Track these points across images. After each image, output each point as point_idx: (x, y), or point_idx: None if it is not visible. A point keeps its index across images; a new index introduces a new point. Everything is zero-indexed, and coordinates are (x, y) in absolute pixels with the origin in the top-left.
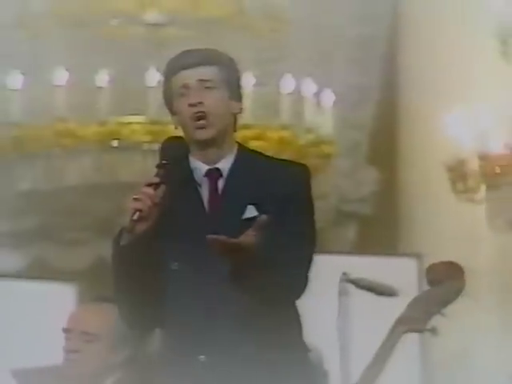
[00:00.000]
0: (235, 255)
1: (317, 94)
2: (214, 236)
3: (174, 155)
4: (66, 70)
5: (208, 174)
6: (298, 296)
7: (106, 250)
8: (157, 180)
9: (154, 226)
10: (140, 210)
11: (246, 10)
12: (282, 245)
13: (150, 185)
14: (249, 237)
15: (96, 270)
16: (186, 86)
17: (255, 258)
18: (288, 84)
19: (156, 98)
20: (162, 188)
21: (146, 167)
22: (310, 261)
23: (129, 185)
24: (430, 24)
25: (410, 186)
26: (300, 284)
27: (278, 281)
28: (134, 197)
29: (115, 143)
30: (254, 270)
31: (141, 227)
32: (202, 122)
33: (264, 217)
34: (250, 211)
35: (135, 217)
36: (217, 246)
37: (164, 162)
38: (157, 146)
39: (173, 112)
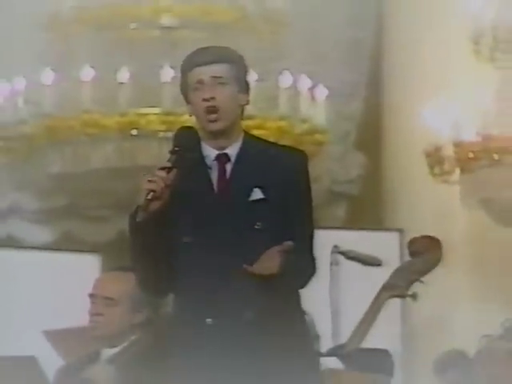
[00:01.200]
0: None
1: (311, 89)
2: (249, 268)
3: (186, 143)
4: (92, 67)
5: (217, 158)
6: (313, 275)
7: (126, 225)
8: (169, 164)
9: (165, 204)
10: (153, 191)
11: (249, 15)
12: (291, 226)
13: (162, 168)
14: (275, 267)
15: (117, 242)
16: (200, 82)
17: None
18: (286, 80)
19: (170, 92)
20: (174, 172)
21: (161, 153)
22: (313, 238)
23: (146, 168)
24: (411, 27)
25: (393, 169)
26: (313, 265)
27: (297, 267)
28: (149, 179)
29: (134, 132)
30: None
31: (154, 206)
32: (213, 115)
33: (290, 243)
34: (256, 193)
35: (149, 196)
36: (249, 273)
37: (176, 148)
38: (171, 134)
39: (188, 101)
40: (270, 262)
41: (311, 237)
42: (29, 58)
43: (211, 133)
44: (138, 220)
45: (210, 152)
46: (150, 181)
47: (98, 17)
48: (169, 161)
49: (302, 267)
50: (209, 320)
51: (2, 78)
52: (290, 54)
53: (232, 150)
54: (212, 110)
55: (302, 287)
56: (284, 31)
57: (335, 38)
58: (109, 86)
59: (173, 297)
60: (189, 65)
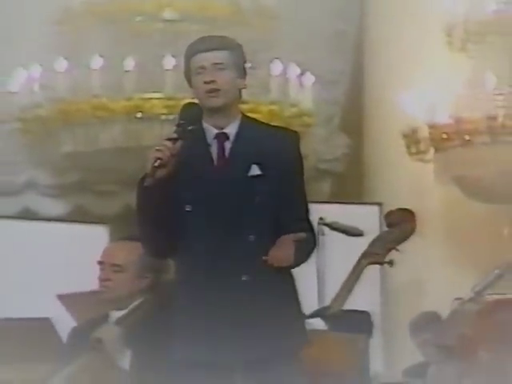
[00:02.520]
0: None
1: (299, 76)
2: (267, 260)
3: (189, 116)
4: (100, 56)
5: (217, 136)
6: (314, 248)
7: (131, 199)
8: (175, 136)
9: (171, 173)
10: (160, 159)
11: (243, 10)
12: (288, 200)
13: (169, 139)
14: (290, 257)
15: (124, 215)
16: (202, 67)
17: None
18: (276, 68)
19: (171, 79)
20: (179, 143)
21: (163, 134)
22: (308, 211)
23: (150, 148)
24: (390, 21)
25: (373, 149)
26: (314, 239)
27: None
28: (156, 148)
29: (139, 115)
30: None
31: (160, 173)
32: (214, 94)
33: (303, 234)
34: (254, 170)
35: (156, 164)
36: (267, 265)
37: (182, 121)
38: (172, 117)
39: (191, 85)
40: (284, 252)
41: (307, 210)
42: (44, 48)
43: (211, 110)
44: (145, 185)
45: (210, 130)
46: (157, 150)
47: (106, 10)
48: (175, 133)
49: (307, 246)
50: (207, 282)
51: (19, 66)
52: (280, 45)
53: (230, 130)
54: (212, 90)
55: (305, 261)
56: (275, 24)
57: (321, 30)
58: (116, 74)
59: (175, 262)
60: (192, 51)
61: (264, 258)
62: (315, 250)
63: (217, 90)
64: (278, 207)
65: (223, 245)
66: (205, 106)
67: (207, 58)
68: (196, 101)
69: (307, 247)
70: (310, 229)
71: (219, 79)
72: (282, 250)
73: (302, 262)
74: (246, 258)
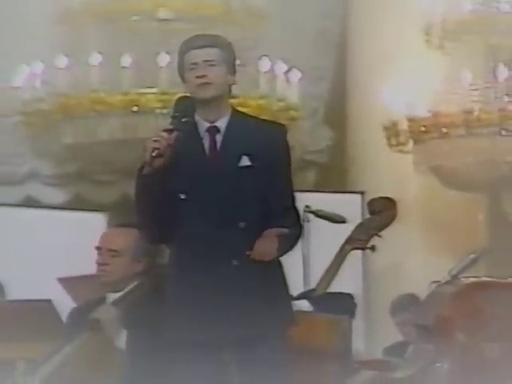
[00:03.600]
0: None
1: (286, 73)
2: (251, 254)
3: (184, 109)
4: (99, 53)
5: (208, 130)
6: (300, 236)
7: (128, 188)
8: (171, 127)
9: (167, 162)
10: (158, 149)
11: (233, 10)
12: (276, 190)
13: (165, 130)
14: (273, 252)
15: (120, 203)
16: (195, 63)
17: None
18: (264, 65)
19: (166, 75)
20: (175, 133)
21: (158, 126)
22: (295, 200)
23: (145, 140)
24: (372, 20)
25: (356, 141)
26: (300, 226)
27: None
28: (154, 139)
29: (135, 109)
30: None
31: (158, 162)
32: (205, 86)
33: (286, 230)
34: (244, 161)
35: (154, 153)
36: (251, 259)
37: (176, 114)
38: (166, 111)
39: (184, 80)
40: (267, 247)
41: (293, 198)
42: (45, 45)
43: (203, 102)
44: (143, 173)
45: (202, 123)
46: (154, 140)
47: (104, 10)
48: (170, 124)
49: (291, 236)
50: (200, 267)
51: (22, 63)
52: (268, 43)
53: (221, 123)
54: (204, 84)
55: (294, 247)
56: (263, 24)
57: (307, 29)
58: (113, 70)
59: (169, 247)
60: (185, 48)
61: (248, 252)
62: (301, 237)
63: (208, 84)
64: (266, 196)
65: (215, 231)
66: (197, 99)
67: (199, 55)
68: (189, 95)
69: (292, 237)
70: (297, 216)
71: (210, 74)
72: (265, 245)
73: (288, 251)
74: (236, 243)
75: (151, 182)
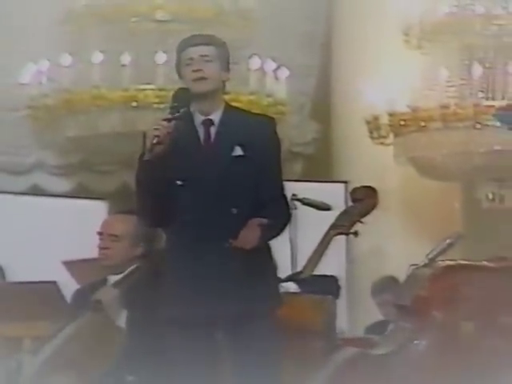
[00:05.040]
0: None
1: (275, 70)
2: (233, 243)
3: (182, 100)
4: (101, 52)
5: (203, 122)
6: (289, 221)
7: (128, 178)
8: (170, 116)
9: (166, 149)
10: (158, 136)
11: (225, 12)
12: (266, 178)
13: (165, 119)
14: (255, 240)
15: (121, 191)
16: (191, 59)
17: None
18: (255, 63)
19: (163, 72)
20: (173, 122)
21: (155, 120)
22: (284, 188)
23: (143, 132)
24: (354, 21)
25: (340, 134)
26: (288, 212)
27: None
28: (154, 127)
29: (134, 104)
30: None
31: (158, 149)
32: (200, 81)
33: (265, 221)
34: (237, 151)
35: (154, 141)
36: (234, 247)
37: (175, 104)
38: (163, 106)
39: (181, 76)
40: (250, 236)
41: (282, 187)
42: (51, 45)
43: (198, 96)
44: (144, 159)
45: (197, 116)
46: (155, 129)
47: (105, 12)
48: (169, 114)
49: (280, 220)
50: (194, 250)
51: (29, 61)
52: (258, 43)
53: (215, 116)
54: (199, 78)
55: (281, 233)
56: (253, 25)
57: (294, 30)
58: (114, 67)
59: (165, 232)
60: (183, 46)
61: (230, 240)
62: (289, 223)
63: (203, 78)
64: (258, 184)
65: (208, 216)
66: (193, 92)
67: (196, 51)
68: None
69: (278, 225)
70: (286, 203)
71: (206, 69)
72: (247, 234)
73: (273, 237)
74: (228, 228)
75: (151, 168)
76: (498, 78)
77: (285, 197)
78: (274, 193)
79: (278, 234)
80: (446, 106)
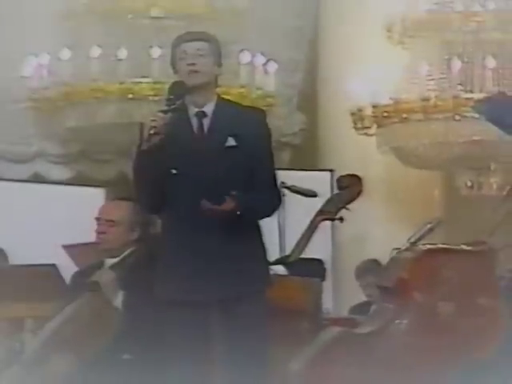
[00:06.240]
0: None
1: (264, 64)
2: (207, 205)
3: (177, 92)
4: (98, 47)
5: (197, 114)
6: (279, 205)
7: (124, 166)
8: (166, 108)
9: (163, 139)
10: (155, 127)
11: (217, 9)
12: (259, 167)
13: (161, 111)
14: (229, 204)
15: (118, 179)
16: (185, 53)
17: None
18: (245, 57)
19: (158, 66)
20: (169, 114)
21: (150, 112)
22: (276, 176)
23: (139, 123)
24: (340, 18)
25: (326, 125)
26: (278, 197)
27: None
28: (151, 118)
29: (130, 96)
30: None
31: (155, 139)
32: (194, 74)
33: (235, 193)
34: (230, 141)
35: (151, 131)
36: (207, 212)
37: (170, 96)
38: (158, 98)
39: (175, 71)
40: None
41: (274, 175)
42: (51, 40)
43: (192, 89)
44: (142, 149)
45: (191, 108)
46: (152, 120)
47: (103, 9)
48: (166, 105)
49: (268, 199)
50: (188, 234)
51: (31, 55)
52: (248, 38)
53: (208, 108)
54: (193, 71)
55: (271, 214)
56: (244, 21)
57: (283, 26)
58: (111, 61)
59: (161, 217)
60: (178, 42)
61: (202, 201)
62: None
63: (197, 72)
64: (250, 173)
65: (200, 199)
66: (187, 85)
67: (190, 46)
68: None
69: (262, 204)
70: (277, 190)
71: (199, 63)
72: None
73: (260, 215)
74: (221, 213)
75: (148, 158)
76: (476, 72)
77: (276, 184)
78: (267, 180)
79: (265, 214)
80: (426, 99)
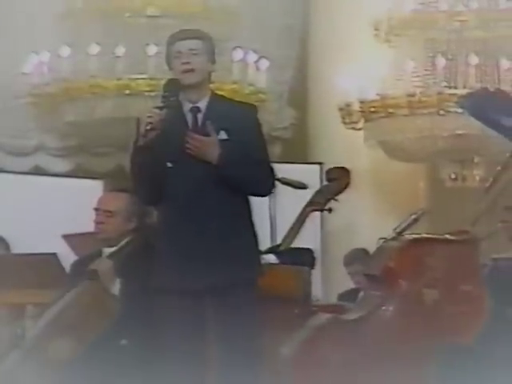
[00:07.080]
0: (205, 151)
1: (256, 61)
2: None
3: (172, 89)
4: (97, 44)
5: (191, 110)
6: (268, 190)
7: (122, 159)
8: (161, 105)
9: (158, 135)
10: (151, 123)
11: (210, 8)
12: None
13: (157, 107)
14: (215, 143)
15: (115, 172)
16: (179, 52)
17: (226, 158)
18: (237, 55)
19: (154, 63)
20: (164, 110)
21: (147, 107)
22: (269, 164)
23: (136, 118)
24: (329, 17)
25: (315, 120)
26: (272, 181)
27: (251, 177)
28: (148, 114)
29: (127, 92)
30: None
31: (151, 134)
32: (188, 73)
33: (210, 123)
34: (222, 135)
35: (148, 127)
36: (193, 141)
37: (166, 93)
38: (154, 94)
39: (170, 68)
40: (208, 141)
41: (268, 163)
42: (51, 37)
43: (186, 86)
44: (138, 144)
45: (185, 104)
46: (148, 116)
47: (101, 8)
48: (161, 102)
49: (258, 175)
50: (183, 225)
51: (32, 52)
52: (240, 36)
53: (202, 104)
54: (187, 70)
55: (262, 192)
56: (236, 19)
57: (274, 24)
58: (109, 58)
59: (157, 209)
60: (173, 40)
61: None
62: (268, 199)
63: (191, 70)
64: (243, 165)
65: (196, 195)
66: (182, 83)
67: (184, 45)
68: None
69: (260, 173)
70: (271, 173)
71: (193, 61)
72: (207, 141)
73: (256, 191)
74: (215, 206)
75: (144, 152)
76: (459, 68)
77: (270, 169)
78: (258, 165)
79: (254, 188)
80: (412, 95)
